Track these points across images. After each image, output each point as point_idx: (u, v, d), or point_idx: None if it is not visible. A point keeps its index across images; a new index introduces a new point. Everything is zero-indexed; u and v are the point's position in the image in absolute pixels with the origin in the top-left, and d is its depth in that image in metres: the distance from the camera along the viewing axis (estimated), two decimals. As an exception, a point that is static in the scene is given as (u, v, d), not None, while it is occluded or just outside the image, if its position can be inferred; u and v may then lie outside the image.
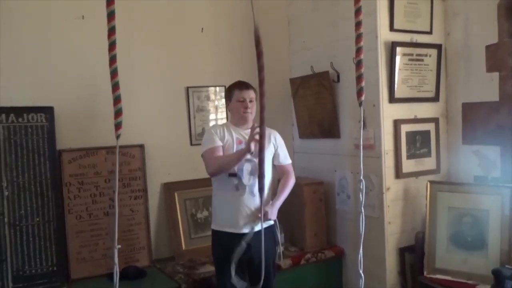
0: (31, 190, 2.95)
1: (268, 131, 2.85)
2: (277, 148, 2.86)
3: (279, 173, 2.91)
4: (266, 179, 2.71)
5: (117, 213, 1.31)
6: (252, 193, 2.67)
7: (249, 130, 2.70)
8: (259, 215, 2.58)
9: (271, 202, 2.77)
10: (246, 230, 2.62)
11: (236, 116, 2.81)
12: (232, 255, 2.27)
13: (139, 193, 3.34)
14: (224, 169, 2.64)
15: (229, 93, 2.82)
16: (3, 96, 2.91)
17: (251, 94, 2.76)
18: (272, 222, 2.77)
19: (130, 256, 3.27)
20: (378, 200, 3.16)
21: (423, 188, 3.16)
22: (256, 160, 2.65)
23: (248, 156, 2.65)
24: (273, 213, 2.71)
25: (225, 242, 2.64)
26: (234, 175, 2.67)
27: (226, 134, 2.74)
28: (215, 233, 2.76)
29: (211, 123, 3.70)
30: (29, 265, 2.92)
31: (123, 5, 3.14)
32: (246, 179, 2.67)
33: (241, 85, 2.78)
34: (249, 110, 2.74)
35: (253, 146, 2.41)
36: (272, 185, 2.81)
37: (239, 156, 2.58)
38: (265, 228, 2.59)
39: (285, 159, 2.91)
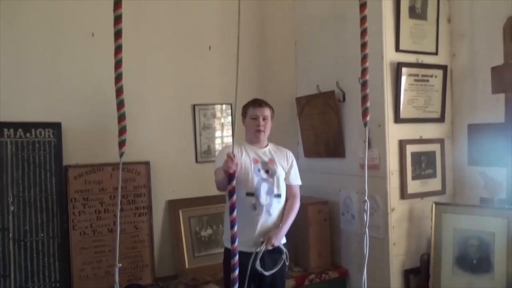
0: (36, 206, 2.97)
1: (283, 151, 2.87)
2: (290, 167, 2.86)
3: (287, 193, 2.89)
4: (281, 198, 2.74)
5: (119, 231, 1.31)
6: (268, 212, 2.67)
7: (264, 150, 2.76)
8: (261, 240, 2.61)
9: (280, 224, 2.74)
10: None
11: (250, 134, 2.81)
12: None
13: (143, 210, 3.34)
14: (218, 185, 2.58)
15: (245, 110, 2.82)
16: (12, 111, 2.95)
17: (264, 112, 2.76)
18: (284, 241, 2.75)
19: (133, 273, 3.25)
20: (383, 220, 3.14)
21: (428, 209, 3.14)
22: (272, 180, 2.69)
23: (264, 176, 2.66)
24: (277, 239, 2.65)
25: (239, 260, 2.59)
26: (251, 194, 2.65)
27: (244, 154, 2.72)
28: (229, 251, 2.71)
29: (217, 141, 3.72)
30: (32, 281, 2.92)
31: (131, 24, 3.22)
32: (263, 198, 2.66)
33: (255, 102, 2.78)
34: (261, 128, 2.74)
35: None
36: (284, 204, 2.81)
37: (221, 174, 2.40)
38: (279, 248, 2.64)
39: (295, 180, 2.88)
